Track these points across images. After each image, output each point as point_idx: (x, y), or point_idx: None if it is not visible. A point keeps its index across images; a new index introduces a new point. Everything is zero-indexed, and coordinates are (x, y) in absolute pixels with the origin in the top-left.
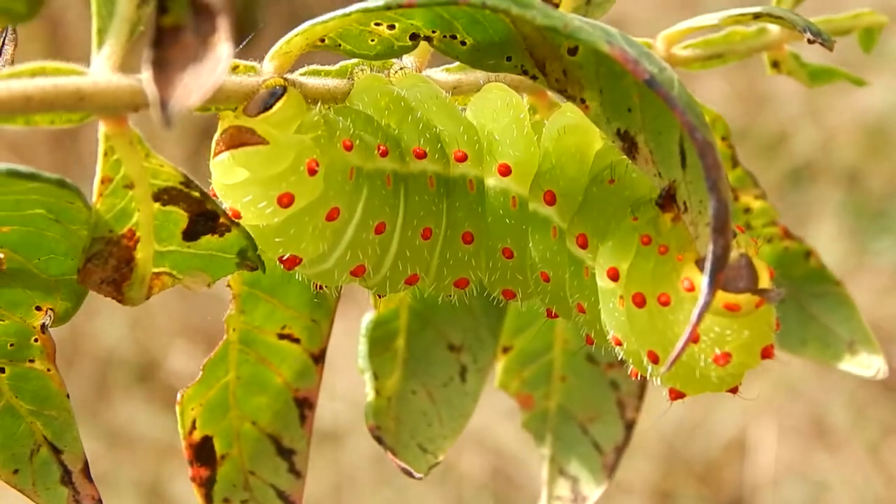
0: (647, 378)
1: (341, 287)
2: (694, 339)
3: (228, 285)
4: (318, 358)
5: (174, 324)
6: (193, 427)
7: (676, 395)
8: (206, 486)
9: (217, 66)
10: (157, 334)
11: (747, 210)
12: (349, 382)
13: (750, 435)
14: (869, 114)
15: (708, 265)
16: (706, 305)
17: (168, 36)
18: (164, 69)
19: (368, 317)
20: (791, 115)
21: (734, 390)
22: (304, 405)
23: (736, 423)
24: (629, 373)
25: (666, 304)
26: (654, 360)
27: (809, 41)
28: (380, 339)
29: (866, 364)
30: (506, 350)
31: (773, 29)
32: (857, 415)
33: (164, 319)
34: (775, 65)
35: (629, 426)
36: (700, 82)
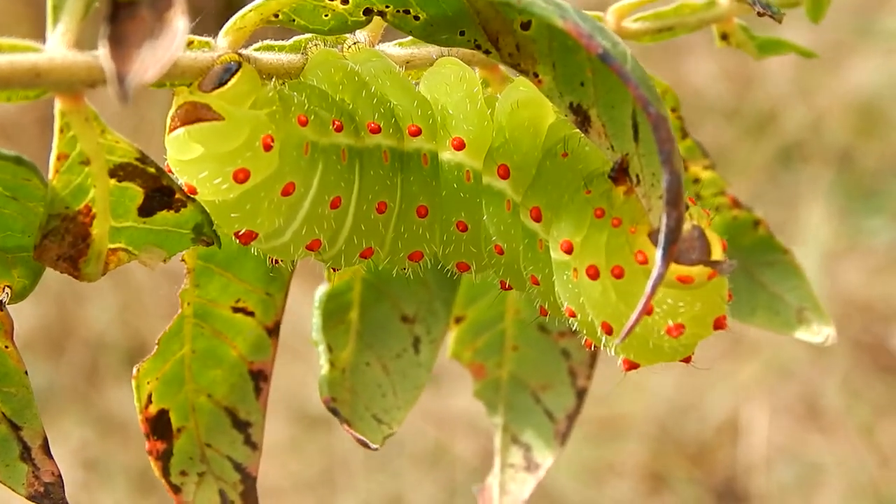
0: (601, 348)
1: (296, 261)
2: (647, 310)
3: (183, 259)
4: (273, 331)
5: (163, 308)
6: (149, 401)
7: (630, 365)
8: (163, 459)
9: (173, 41)
10: (146, 319)
11: (696, 180)
12: None
13: (742, 416)
14: (859, 93)
15: (661, 237)
16: (660, 277)
17: (124, 11)
18: (121, 44)
19: (322, 289)
20: (781, 95)
21: (687, 360)
22: (259, 377)
23: (728, 404)
24: (583, 343)
25: (619, 276)
26: (608, 331)
27: (759, 14)
28: (334, 312)
29: (816, 331)
30: (458, 320)
31: (723, 2)
32: (850, 396)
33: (154, 304)
34: (724, 37)
35: (580, 394)
36: (688, 62)
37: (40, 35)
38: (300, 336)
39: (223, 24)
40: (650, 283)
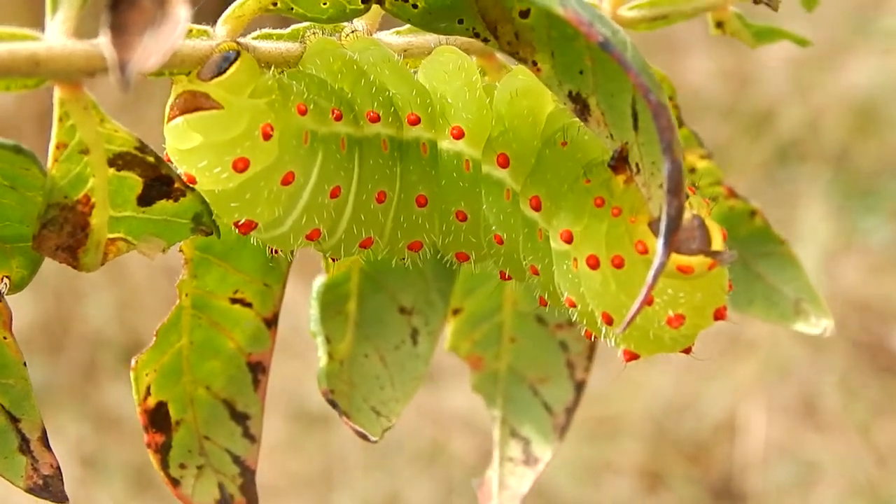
0: (601, 339)
1: (295, 251)
2: (648, 301)
3: (181, 250)
4: (271, 322)
5: (161, 305)
6: (148, 393)
7: (630, 356)
8: (162, 451)
9: (175, 29)
10: (144, 316)
11: (693, 170)
12: None
13: (739, 415)
14: (856, 92)
15: (662, 226)
16: (661, 267)
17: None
18: (122, 32)
19: (320, 280)
20: (778, 94)
21: (687, 351)
22: (258, 369)
23: (725, 403)
24: (582, 334)
25: (619, 266)
26: (608, 321)
27: (755, 1)
28: (331, 303)
29: (814, 323)
30: (456, 312)
31: None
32: (848, 395)
33: (151, 301)
34: (719, 25)
35: (579, 387)
36: (686, 61)
37: (38, 25)
38: (298, 334)
39: (221, 11)
40: (651, 272)
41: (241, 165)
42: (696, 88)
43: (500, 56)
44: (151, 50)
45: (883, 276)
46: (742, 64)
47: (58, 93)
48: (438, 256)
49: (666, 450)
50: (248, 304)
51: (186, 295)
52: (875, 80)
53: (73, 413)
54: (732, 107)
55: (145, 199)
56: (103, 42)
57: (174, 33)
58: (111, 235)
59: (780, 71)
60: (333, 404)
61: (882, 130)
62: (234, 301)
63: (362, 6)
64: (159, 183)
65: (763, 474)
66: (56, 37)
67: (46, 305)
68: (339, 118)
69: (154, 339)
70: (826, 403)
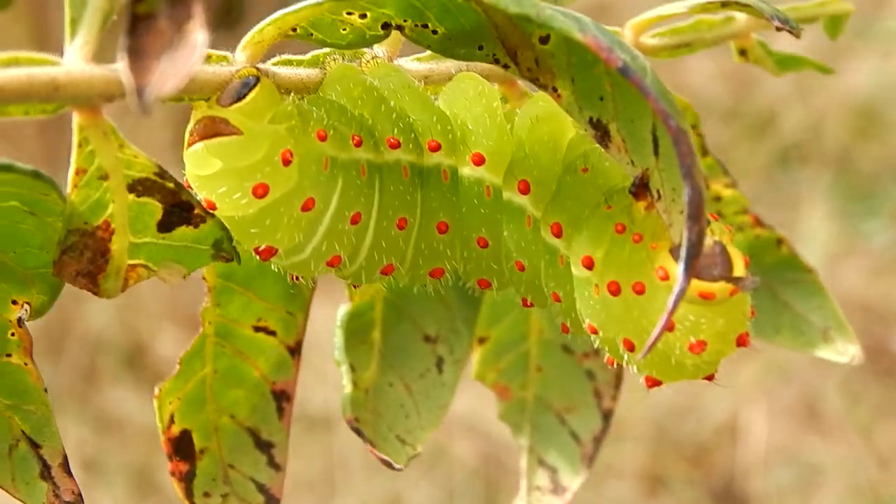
0: (623, 366)
1: (316, 278)
2: (669, 327)
3: (204, 278)
4: (295, 350)
5: (162, 308)
6: (172, 421)
7: (653, 382)
8: (186, 480)
9: (193, 53)
10: (145, 319)
11: (718, 198)
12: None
13: (741, 418)
14: (857, 95)
15: (683, 252)
16: (681, 293)
17: (142, 24)
18: (140, 57)
19: (344, 308)
20: (779, 96)
21: (710, 377)
22: (282, 398)
23: (727, 406)
24: (605, 361)
25: (641, 292)
26: (630, 348)
27: (777, 28)
28: (356, 331)
29: (841, 351)
30: (481, 341)
31: (741, 17)
32: (849, 398)
33: (152, 304)
34: (742, 53)
35: (606, 416)
36: (686, 63)
37: (37, 36)
38: None
39: (218, 25)
40: (672, 298)
41: (260, 191)
42: (697, 91)
43: (521, 83)
44: (169, 74)
45: (884, 279)
46: (743, 67)
47: (76, 118)
48: (461, 284)
49: (667, 452)
50: (272, 333)
51: (210, 323)
52: (876, 83)
53: (73, 416)
54: (734, 109)
55: (165, 226)
56: (121, 66)
57: (192, 58)
58: (131, 262)
59: None
60: (358, 433)
61: (883, 133)
62: (257, 329)
63: (382, 32)
64: (179, 209)
65: (764, 477)
66: (75, 61)
67: None
68: (359, 144)
69: (177, 366)
70: (827, 406)
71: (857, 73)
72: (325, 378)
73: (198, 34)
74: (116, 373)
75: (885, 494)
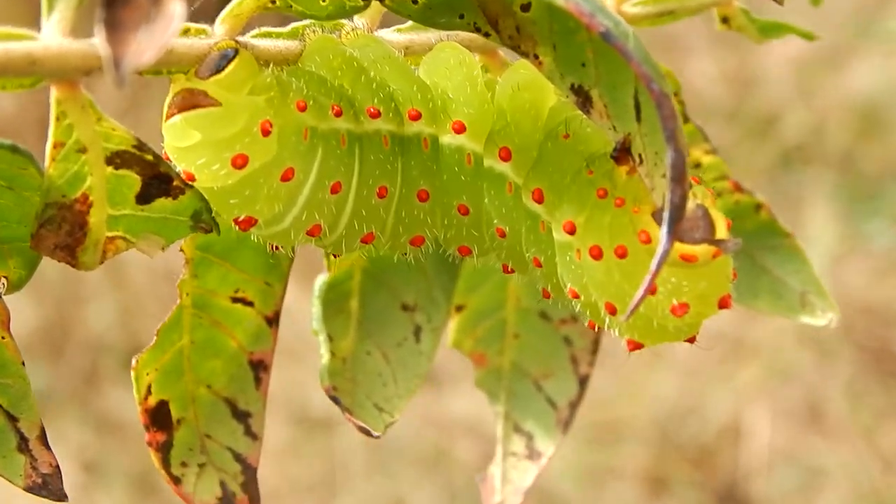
0: (605, 330)
1: (295, 249)
2: (652, 290)
3: (181, 250)
4: (272, 321)
5: (162, 310)
6: (149, 392)
7: (634, 345)
8: (163, 450)
9: (169, 25)
10: (145, 321)
11: (697, 165)
12: None
13: (744, 420)
14: (860, 96)
15: (666, 214)
16: (665, 255)
17: None
18: (117, 28)
19: (321, 279)
20: (781, 97)
21: (691, 340)
22: (259, 368)
23: (729, 408)
24: (582, 328)
25: (623, 256)
26: (612, 311)
27: None
28: (333, 301)
29: (819, 315)
30: (459, 309)
31: None
32: (853, 399)
33: (153, 305)
34: (725, 20)
35: (583, 381)
36: (688, 64)
37: (33, 25)
38: (299, 338)
39: (220, 12)
40: (655, 260)
41: (239, 162)
42: (699, 92)
43: (501, 53)
44: (146, 46)
45: (887, 280)
46: (745, 67)
47: (54, 92)
48: (441, 252)
49: (670, 454)
50: (250, 303)
51: (187, 294)
52: (879, 83)
53: (74, 418)
54: (736, 111)
55: (144, 197)
56: (98, 38)
57: (168, 29)
58: (110, 234)
59: (783, 74)
60: (336, 401)
61: (886, 134)
62: (235, 300)
63: (362, 3)
64: (158, 181)
65: (767, 479)
66: (52, 36)
67: (48, 311)
68: (338, 114)
69: (155, 338)
70: (831, 408)
71: (860, 73)
72: None
73: (175, 5)
74: (117, 375)
75: (889, 497)
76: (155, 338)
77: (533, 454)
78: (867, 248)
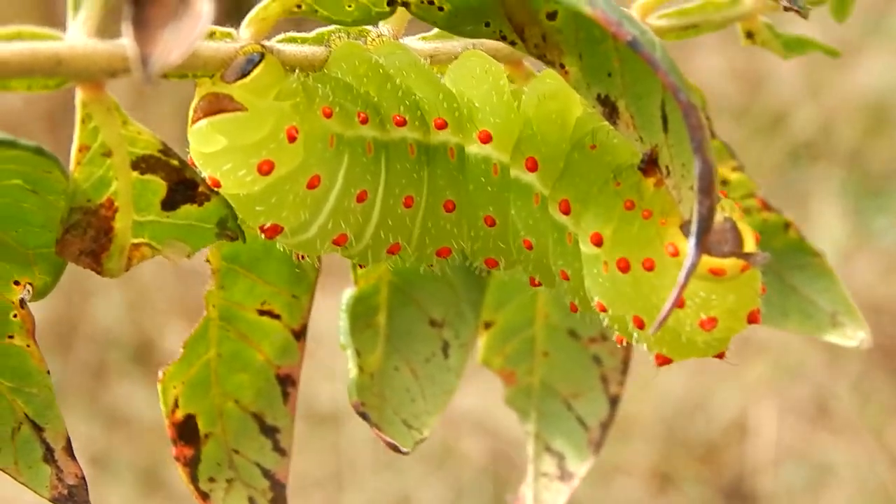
0: (633, 344)
1: (321, 260)
2: (679, 304)
3: (207, 260)
4: (300, 334)
5: (170, 304)
6: (176, 406)
7: (663, 360)
8: (191, 465)
9: (197, 24)
10: (153, 315)
11: (725, 182)
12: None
13: (751, 417)
14: (869, 93)
15: (694, 226)
16: (692, 267)
17: None
18: (144, 27)
19: (349, 292)
20: (790, 95)
21: (721, 355)
22: (287, 382)
23: (737, 404)
24: (612, 347)
25: (650, 268)
26: (640, 325)
27: (785, 8)
28: (361, 315)
29: (850, 335)
30: (487, 325)
31: None
32: (861, 397)
33: (161, 300)
34: (749, 35)
35: (613, 401)
36: (697, 61)
37: (42, 12)
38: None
39: (232, 12)
40: (682, 273)
41: (265, 168)
42: (708, 89)
43: (527, 64)
44: (174, 44)
45: (895, 277)
46: (754, 65)
47: (80, 94)
48: (468, 265)
49: (676, 451)
50: (277, 316)
51: (214, 306)
52: (887, 81)
53: (82, 413)
54: (745, 108)
55: (169, 204)
56: (125, 38)
57: (197, 28)
58: (135, 240)
59: (792, 72)
60: (364, 416)
61: (894, 130)
62: (262, 313)
63: (388, 9)
64: (184, 187)
65: (774, 476)
66: (78, 36)
67: (56, 305)
68: (364, 121)
69: (181, 350)
70: (838, 405)
71: (868, 70)
72: (333, 374)
73: (203, 4)
74: (125, 369)
75: None
76: (181, 350)
77: (564, 475)
78: (875, 245)
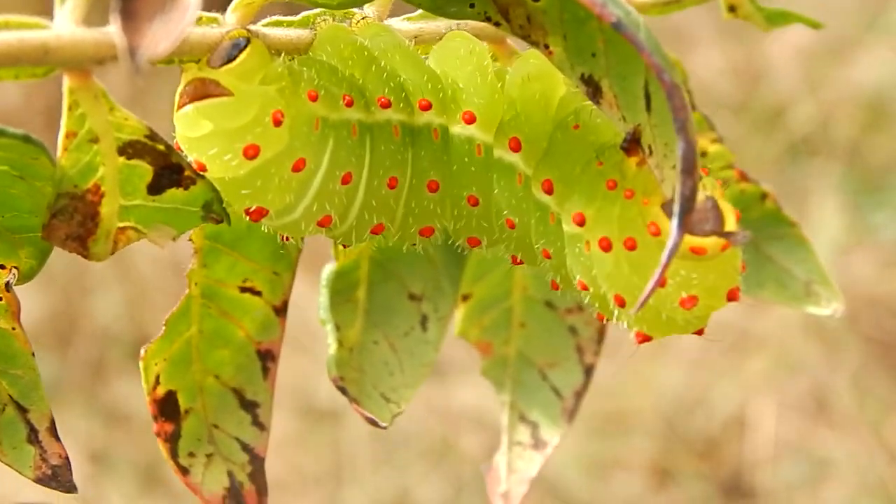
0: (614, 322)
1: (304, 239)
2: (661, 282)
3: (190, 239)
4: (281, 310)
5: (169, 301)
6: (157, 382)
7: (643, 338)
8: (171, 440)
9: (185, 14)
10: (152, 312)
11: (704, 154)
12: None
13: (750, 412)
14: (867, 88)
15: (676, 206)
16: (674, 248)
17: None
18: (132, 18)
19: (329, 268)
20: (788, 89)
21: (700, 332)
22: (267, 357)
23: (735, 400)
24: (588, 317)
25: (632, 248)
26: (621, 304)
27: None
28: (341, 290)
29: (824, 304)
30: (465, 298)
31: None
32: (860, 392)
33: (159, 297)
34: (732, 9)
35: (588, 371)
36: (695, 57)
37: (45, 14)
38: (306, 329)
39: (228, 3)
40: (665, 252)
41: (251, 152)
42: (706, 85)
43: (511, 42)
44: (161, 35)
45: (894, 272)
46: (752, 59)
47: (67, 81)
48: (449, 243)
49: (675, 446)
50: (258, 293)
51: (196, 284)
52: (886, 75)
53: (81, 409)
54: (743, 103)
55: (155, 188)
56: (113, 28)
57: (184, 18)
58: (121, 224)
59: (790, 66)
60: (343, 391)
61: (892, 126)
62: (243, 290)
63: None
64: (169, 171)
65: (773, 471)
66: (65, 25)
67: (54, 301)
68: (349, 104)
69: (163, 328)
70: (837, 400)
71: (867, 65)
72: None
73: None
74: (124, 366)
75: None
76: (163, 328)
77: (538, 443)
78: (874, 240)
